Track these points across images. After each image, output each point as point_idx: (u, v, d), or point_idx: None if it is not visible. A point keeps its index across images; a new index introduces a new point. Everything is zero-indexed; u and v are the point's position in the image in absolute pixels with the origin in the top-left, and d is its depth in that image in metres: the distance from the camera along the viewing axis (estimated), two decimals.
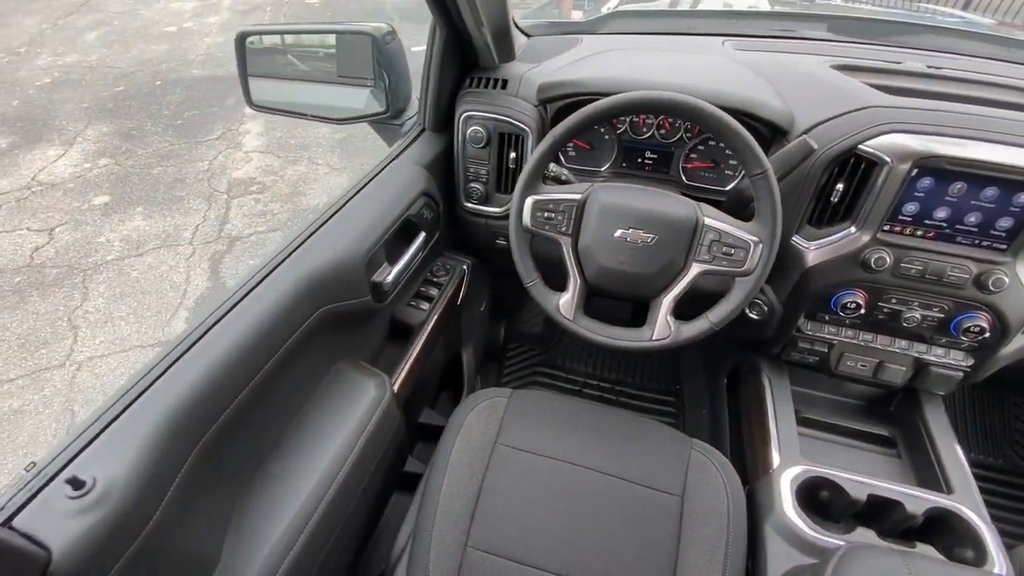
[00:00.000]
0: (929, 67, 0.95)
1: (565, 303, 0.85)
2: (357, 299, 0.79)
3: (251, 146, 3.37)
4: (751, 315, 1.01)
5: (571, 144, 1.03)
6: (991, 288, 0.80)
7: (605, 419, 0.94)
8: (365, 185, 0.88)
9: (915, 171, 0.77)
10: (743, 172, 0.90)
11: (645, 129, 0.98)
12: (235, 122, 3.59)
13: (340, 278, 0.75)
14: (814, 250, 0.87)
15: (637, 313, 1.40)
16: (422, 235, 0.94)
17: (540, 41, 1.16)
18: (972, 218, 0.79)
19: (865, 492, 0.84)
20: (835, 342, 0.96)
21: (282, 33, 1.03)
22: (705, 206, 0.78)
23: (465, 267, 1.12)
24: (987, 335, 0.85)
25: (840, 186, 0.82)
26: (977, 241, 0.80)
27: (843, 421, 1.04)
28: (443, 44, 0.90)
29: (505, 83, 0.97)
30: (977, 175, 0.76)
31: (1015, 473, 1.38)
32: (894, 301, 0.87)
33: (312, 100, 1.14)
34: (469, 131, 0.98)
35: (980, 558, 0.79)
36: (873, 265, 0.83)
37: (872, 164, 0.79)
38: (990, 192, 0.76)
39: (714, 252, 0.76)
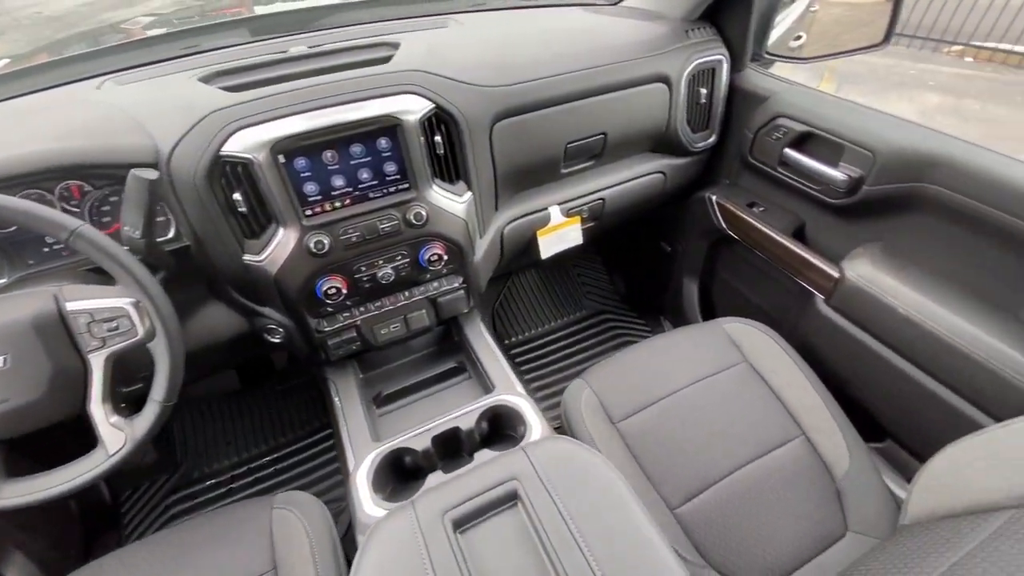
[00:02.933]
0: (310, 47, 0.98)
1: None
2: None
3: None
4: (273, 340, 0.95)
5: None
6: (418, 223, 0.90)
7: (169, 547, 0.78)
8: None
9: (281, 157, 0.78)
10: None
11: None
12: None
13: None
14: (268, 261, 0.84)
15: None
16: None
17: None
18: (365, 174, 0.85)
19: (428, 438, 0.89)
20: (358, 323, 0.98)
21: None
22: (68, 288, 0.65)
23: None
24: (448, 256, 0.96)
25: (238, 195, 0.79)
26: (383, 191, 0.88)
27: (422, 374, 1.10)
28: None
29: None
30: (334, 140, 0.81)
31: (594, 314, 1.76)
32: (364, 268, 0.91)
33: None
34: None
35: (526, 430, 0.92)
36: (315, 250, 0.84)
37: (246, 165, 0.77)
38: (356, 148, 0.83)
39: (101, 334, 0.64)
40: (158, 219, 0.81)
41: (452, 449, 0.94)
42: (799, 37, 1.43)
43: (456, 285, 1.03)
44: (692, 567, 0.80)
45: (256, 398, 1.49)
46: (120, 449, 0.68)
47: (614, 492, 0.67)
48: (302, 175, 0.81)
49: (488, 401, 0.95)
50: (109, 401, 0.67)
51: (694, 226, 1.38)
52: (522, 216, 1.12)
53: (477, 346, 1.07)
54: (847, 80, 4.64)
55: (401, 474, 0.92)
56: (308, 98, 0.80)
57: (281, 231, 0.83)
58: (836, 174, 1.01)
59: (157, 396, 0.69)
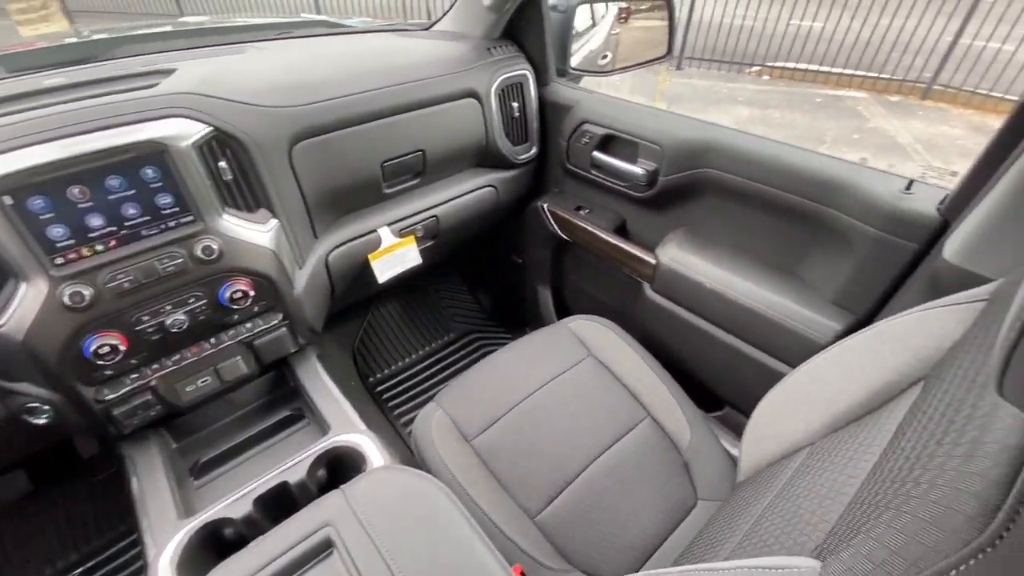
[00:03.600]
0: (69, 80, 0.85)
1: None
2: None
3: None
4: (39, 421, 0.78)
5: None
6: (209, 258, 0.80)
7: None
8: None
9: (7, 199, 0.65)
10: None
11: None
12: None
13: None
14: (11, 324, 0.69)
15: None
16: None
17: None
18: (132, 210, 0.74)
19: (250, 500, 0.78)
20: (152, 383, 0.84)
21: None
22: None
23: None
24: (256, 292, 0.87)
25: None
26: (160, 226, 0.77)
27: (252, 429, 0.97)
28: None
29: None
30: (78, 173, 0.69)
31: (462, 336, 1.73)
32: (147, 318, 0.79)
33: None
34: None
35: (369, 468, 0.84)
36: (72, 303, 0.71)
37: None
38: (114, 182, 0.72)
39: None
40: None
41: (287, 508, 0.83)
42: (606, 56, 1.57)
43: (275, 323, 0.94)
44: (556, 573, 0.77)
45: (60, 499, 1.23)
46: None
47: (441, 517, 0.62)
48: (42, 217, 0.68)
49: (322, 445, 0.86)
50: None
51: (535, 235, 1.42)
52: (348, 241, 1.06)
53: (312, 387, 0.97)
54: (675, 101, 5.26)
55: (228, 551, 0.79)
56: (38, 130, 0.68)
57: (23, 287, 0.69)
58: (636, 169, 1.09)
59: None
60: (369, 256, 1.09)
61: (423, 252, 1.19)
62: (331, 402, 0.95)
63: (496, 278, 1.75)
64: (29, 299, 0.69)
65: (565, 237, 1.31)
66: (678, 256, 1.06)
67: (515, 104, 1.21)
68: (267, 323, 0.93)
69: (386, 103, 1.00)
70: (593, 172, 1.21)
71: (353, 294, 1.19)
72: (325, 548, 0.58)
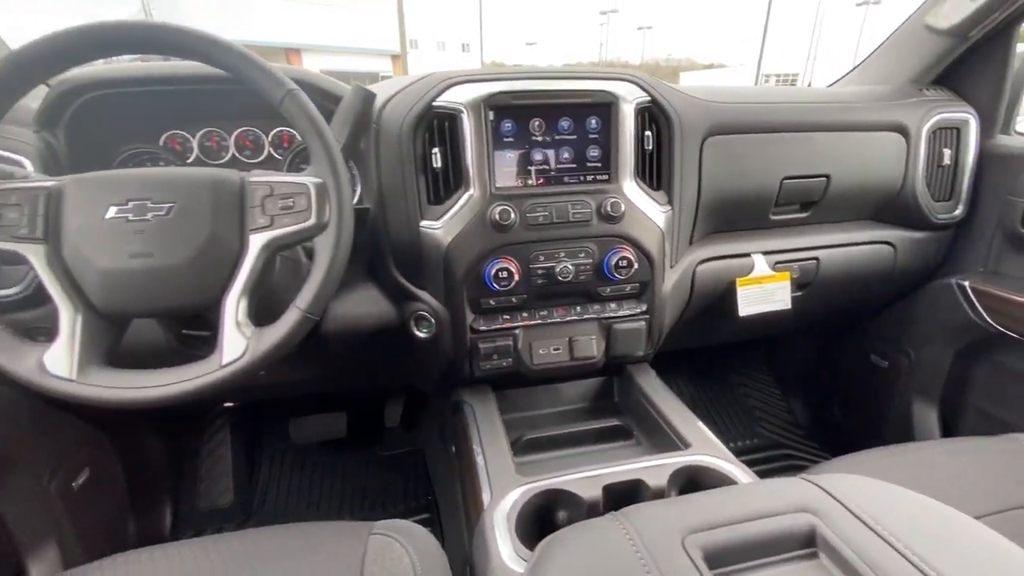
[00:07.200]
0: None
1: (56, 356, 0.50)
2: None
3: None
4: (420, 333, 0.80)
5: None
6: (613, 214, 0.77)
7: (221, 553, 0.58)
8: None
9: (491, 114, 0.73)
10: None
11: None
12: None
13: None
14: (442, 227, 0.74)
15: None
16: None
17: None
18: (566, 154, 0.77)
19: (599, 485, 0.62)
20: (517, 330, 0.80)
21: None
22: (256, 171, 0.59)
23: None
24: (636, 267, 0.79)
25: (437, 150, 0.74)
26: (580, 177, 0.78)
27: (571, 427, 0.84)
28: None
29: None
30: (545, 107, 0.75)
31: (770, 446, 1.37)
32: (542, 259, 0.77)
33: None
34: None
35: None
36: (500, 219, 0.73)
37: (453, 117, 0.73)
38: (565, 123, 0.76)
39: (273, 211, 0.55)
40: None
41: (615, 509, 0.64)
42: None
43: (638, 312, 0.84)
44: None
45: (354, 460, 1.29)
46: (235, 361, 0.52)
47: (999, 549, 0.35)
48: (505, 139, 0.75)
49: (684, 459, 0.66)
50: (247, 297, 0.54)
51: (934, 325, 1.07)
52: (719, 258, 0.93)
53: (660, 402, 0.80)
54: None
55: (545, 523, 0.64)
56: (526, 72, 0.78)
57: (466, 196, 0.74)
58: None
59: (300, 303, 0.55)
60: (737, 280, 0.94)
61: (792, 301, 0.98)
62: (685, 418, 0.76)
63: (831, 384, 1.38)
64: (466, 209, 0.74)
65: (998, 327, 0.94)
66: None
67: (947, 151, 0.98)
68: (631, 311, 0.83)
69: (804, 118, 0.91)
70: None
71: (700, 324, 1.03)
72: (804, 545, 0.37)
